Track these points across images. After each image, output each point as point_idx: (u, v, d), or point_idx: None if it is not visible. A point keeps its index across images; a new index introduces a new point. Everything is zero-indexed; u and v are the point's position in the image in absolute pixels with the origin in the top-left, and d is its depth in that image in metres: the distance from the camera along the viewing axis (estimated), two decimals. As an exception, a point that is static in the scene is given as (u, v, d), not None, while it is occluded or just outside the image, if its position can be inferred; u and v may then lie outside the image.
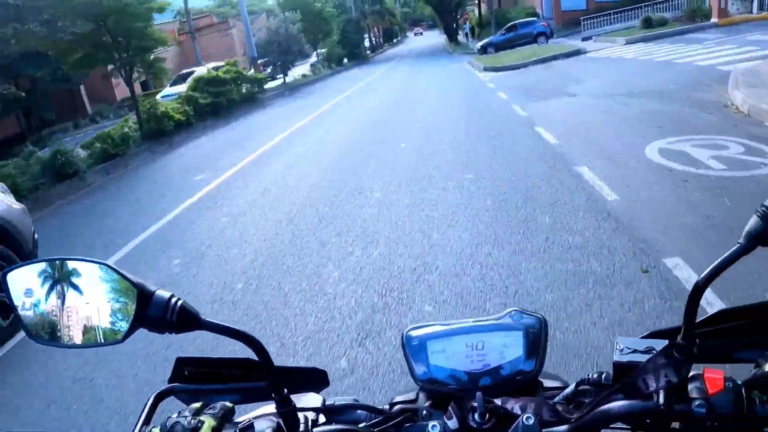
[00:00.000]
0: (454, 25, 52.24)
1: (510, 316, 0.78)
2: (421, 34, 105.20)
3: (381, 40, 68.36)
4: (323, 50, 35.80)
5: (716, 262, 0.62)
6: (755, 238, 0.61)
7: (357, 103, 17.37)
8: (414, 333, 0.79)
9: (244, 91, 21.41)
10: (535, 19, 30.43)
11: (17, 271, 0.69)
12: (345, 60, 42.16)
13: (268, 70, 28.07)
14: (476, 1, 57.33)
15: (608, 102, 10.41)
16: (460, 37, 51.26)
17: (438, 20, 68.83)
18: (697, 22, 24.02)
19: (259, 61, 26.30)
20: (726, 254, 0.62)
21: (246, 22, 24.29)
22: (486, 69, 21.28)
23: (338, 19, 46.42)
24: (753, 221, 0.61)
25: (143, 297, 0.66)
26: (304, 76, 32.10)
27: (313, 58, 35.87)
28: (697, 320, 0.67)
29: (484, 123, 10.35)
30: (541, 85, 14.65)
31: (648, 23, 23.79)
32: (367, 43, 56.01)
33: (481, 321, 0.78)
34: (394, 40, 79.18)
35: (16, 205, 5.08)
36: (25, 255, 4.71)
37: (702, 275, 0.63)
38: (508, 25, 30.07)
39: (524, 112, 10.75)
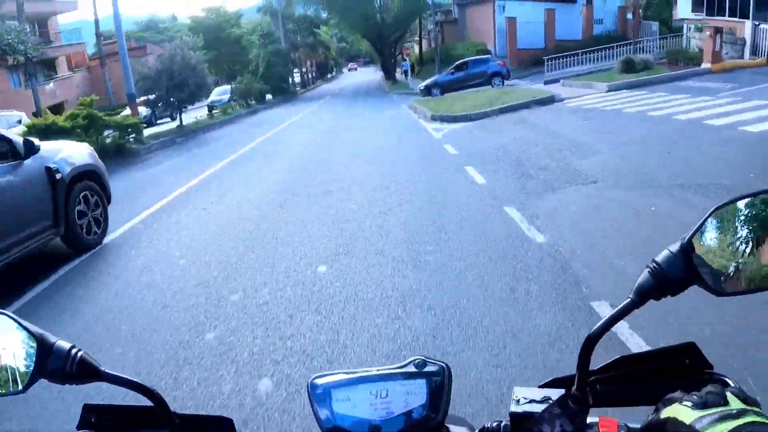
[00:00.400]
0: (393, 62, 47.85)
1: (414, 364, 0.77)
2: (356, 69, 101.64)
3: (314, 74, 63.46)
4: (239, 84, 29.97)
5: (607, 317, 0.66)
6: (646, 293, 0.64)
7: (251, 172, 11.66)
8: (319, 381, 0.78)
9: (108, 141, 15.49)
10: (489, 57, 25.97)
11: None
12: (269, 96, 36.71)
13: (144, 111, 22.00)
14: (417, 37, 53.74)
15: (672, 204, 5.53)
16: (399, 75, 47.00)
17: (375, 56, 64.71)
18: (683, 66, 20.00)
19: (142, 99, 20.34)
20: (617, 309, 0.65)
21: (122, 48, 18.28)
22: (435, 118, 16.16)
23: (264, 50, 41.11)
24: (643, 276, 0.65)
25: (43, 348, 0.66)
26: (211, 116, 26.44)
27: (216, 96, 29.58)
28: (597, 367, 0.70)
29: (472, 275, 4.47)
30: (527, 153, 9.49)
31: (629, 66, 19.50)
32: (297, 78, 50.78)
33: (385, 369, 0.77)
34: (329, 76, 74.25)
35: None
36: (108, 195, 6.74)
37: (594, 328, 0.66)
38: (458, 63, 25.40)
39: (541, 235, 5.17)
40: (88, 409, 0.79)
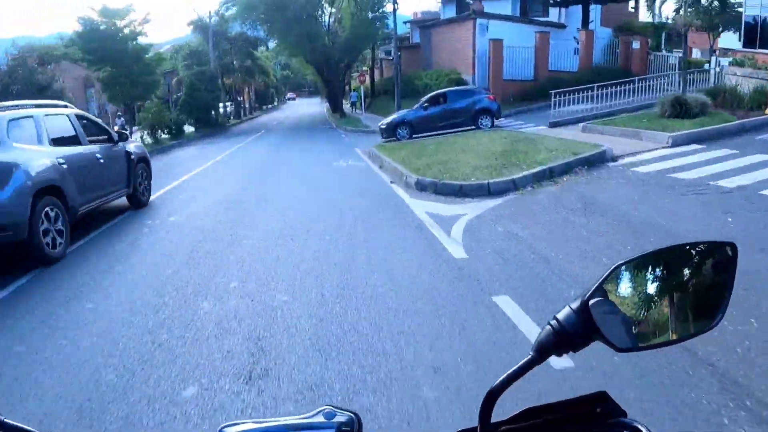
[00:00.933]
0: (342, 91, 41.70)
1: (323, 413, 0.75)
2: (294, 99, 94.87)
3: (252, 104, 56.67)
4: (146, 113, 22.76)
5: (507, 373, 0.65)
6: (546, 350, 0.64)
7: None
8: (229, 430, 0.75)
9: None
10: (475, 88, 19.89)
11: None
12: (190, 128, 29.76)
13: None
14: (366, 65, 47.93)
15: None
16: (346, 107, 40.94)
17: (321, 85, 58.66)
18: (735, 110, 14.55)
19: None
20: (517, 366, 0.65)
21: None
22: (423, 186, 9.41)
23: (188, 72, 34.17)
24: (544, 333, 0.64)
25: None
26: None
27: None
28: (505, 418, 0.69)
29: None
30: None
31: (681, 109, 13.76)
32: (230, 107, 43.80)
33: (294, 419, 0.75)
34: (269, 106, 67.34)
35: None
36: (150, 174, 9.98)
37: (494, 384, 0.66)
38: (433, 94, 19.16)
39: None
40: None
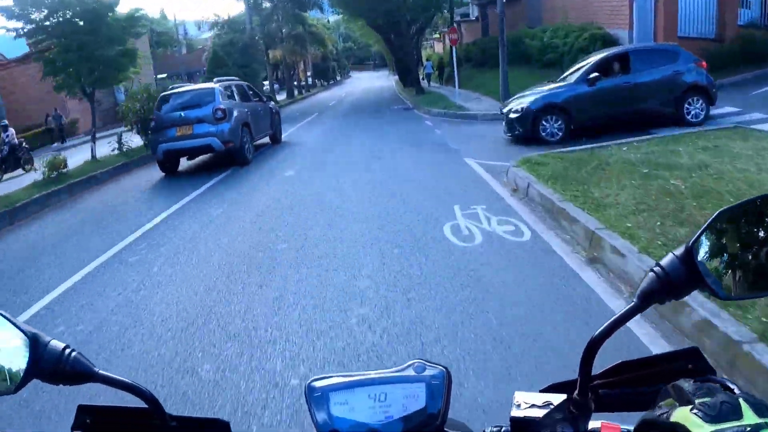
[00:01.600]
0: (416, 60, 33.58)
1: (413, 367, 0.75)
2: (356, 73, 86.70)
3: (310, 80, 49.34)
4: (126, 104, 14.97)
5: (610, 321, 0.64)
6: (649, 297, 0.64)
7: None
8: (317, 384, 0.76)
9: None
10: (670, 46, 11.12)
11: None
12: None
13: None
14: (439, 31, 39.34)
15: None
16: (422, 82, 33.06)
17: (387, 55, 50.56)
18: None
19: None
20: (620, 313, 0.64)
21: None
22: None
23: (216, 41, 26.83)
24: (647, 280, 0.64)
25: (37, 348, 0.65)
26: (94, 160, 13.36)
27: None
28: (596, 373, 0.68)
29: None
30: None
31: None
32: (277, 85, 36.45)
33: (384, 373, 0.76)
34: (329, 82, 59.51)
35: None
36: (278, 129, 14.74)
37: (596, 333, 0.65)
38: (603, 56, 10.60)
39: None
40: (83, 411, 0.77)
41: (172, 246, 6.25)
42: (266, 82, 29.64)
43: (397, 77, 49.32)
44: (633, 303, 0.65)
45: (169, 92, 11.91)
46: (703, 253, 0.63)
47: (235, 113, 11.24)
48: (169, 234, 6.80)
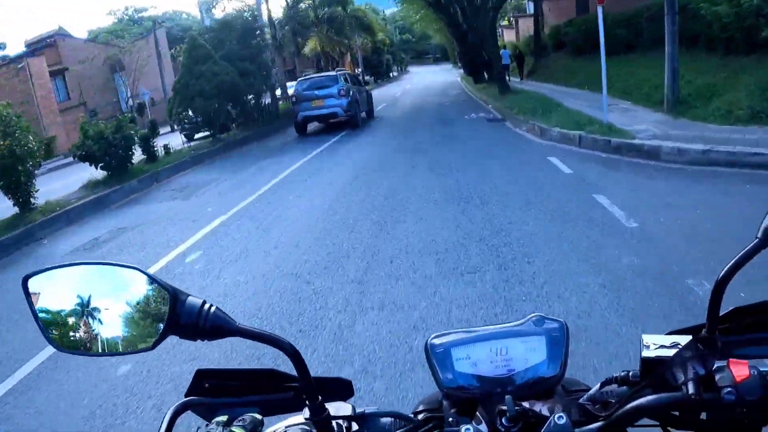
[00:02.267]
0: (492, 49, 25.67)
1: (532, 321, 0.77)
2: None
3: (362, 76, 42.07)
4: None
5: (735, 258, 0.65)
6: None
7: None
8: (437, 341, 0.77)
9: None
10: None
11: (40, 276, 0.66)
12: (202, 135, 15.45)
13: None
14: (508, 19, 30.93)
15: None
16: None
17: (450, 44, 42.80)
18: None
19: None
20: (744, 250, 0.65)
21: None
22: None
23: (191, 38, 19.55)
24: None
25: (175, 303, 0.65)
26: None
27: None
28: (722, 314, 0.69)
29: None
30: None
31: None
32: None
33: (503, 327, 0.77)
34: (381, 78, 51.56)
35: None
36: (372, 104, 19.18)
37: (722, 272, 0.65)
38: None
39: None
40: (201, 375, 0.77)
41: (323, 165, 10.25)
42: (290, 83, 22.03)
43: (462, 71, 41.42)
44: (757, 240, 0.64)
45: (303, 78, 17.76)
46: None
47: (351, 92, 15.55)
48: (317, 163, 10.61)
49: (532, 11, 36.63)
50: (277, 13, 23.65)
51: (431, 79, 41.55)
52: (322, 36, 26.98)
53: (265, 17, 20.58)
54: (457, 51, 38.73)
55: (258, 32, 17.65)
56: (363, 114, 17.01)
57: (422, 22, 39.49)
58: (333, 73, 17.06)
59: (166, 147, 13.09)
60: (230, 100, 15.28)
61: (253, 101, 17.46)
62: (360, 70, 45.75)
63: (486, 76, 26.80)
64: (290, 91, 19.75)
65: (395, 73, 61.46)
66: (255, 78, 16.35)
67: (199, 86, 14.30)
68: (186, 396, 0.76)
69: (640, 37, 16.32)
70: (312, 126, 16.19)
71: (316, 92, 15.17)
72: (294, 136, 15.63)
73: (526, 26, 38.43)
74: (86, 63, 28.18)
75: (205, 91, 14.28)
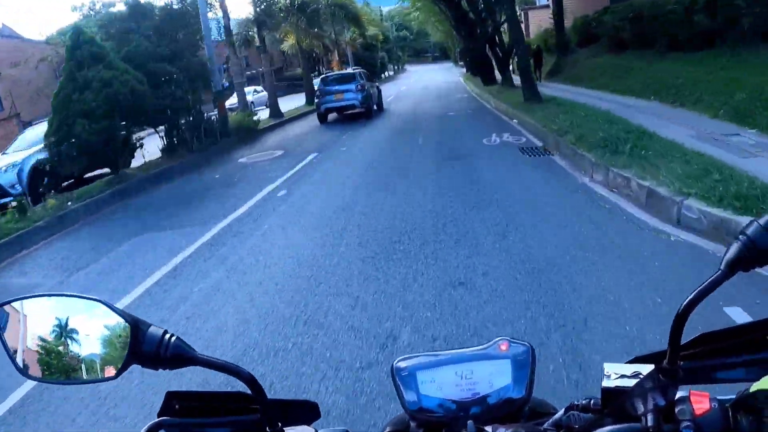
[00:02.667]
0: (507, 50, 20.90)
1: (498, 344, 0.78)
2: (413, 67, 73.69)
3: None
4: None
5: (697, 290, 0.65)
6: (735, 264, 0.64)
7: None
8: (403, 364, 0.78)
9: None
10: None
11: (8, 307, 0.68)
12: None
13: None
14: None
15: None
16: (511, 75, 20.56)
17: (454, 43, 38.61)
18: None
19: None
20: (707, 281, 0.65)
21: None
22: None
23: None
24: (733, 248, 0.65)
25: (137, 333, 0.67)
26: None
27: None
28: (685, 342, 0.69)
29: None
30: None
31: None
32: (256, 95, 23.93)
33: (469, 350, 0.78)
34: (374, 78, 45.58)
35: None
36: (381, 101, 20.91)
37: (684, 302, 0.65)
38: None
39: None
40: (172, 396, 0.78)
41: (352, 145, 12.23)
42: (255, 89, 17.01)
43: (464, 70, 36.87)
44: (719, 271, 0.64)
45: (325, 75, 20.51)
46: None
47: (366, 87, 17.96)
48: (350, 141, 12.93)
49: (544, 2, 31.89)
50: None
51: (430, 79, 36.82)
52: (295, 28, 21.87)
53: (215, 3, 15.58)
54: (460, 48, 34.08)
55: (191, 22, 12.53)
56: (374, 106, 19.08)
57: (422, 14, 34.77)
58: (351, 71, 20.04)
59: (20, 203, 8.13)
60: (133, 118, 10.25)
61: (191, 117, 12.39)
62: (350, 69, 40.89)
63: (499, 77, 21.89)
64: (315, 87, 21.43)
65: (390, 73, 56.29)
66: (178, 86, 11.28)
67: (83, 102, 9.34)
68: (158, 416, 0.77)
69: (735, 25, 11.37)
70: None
71: (337, 87, 17.59)
72: (243, 162, 11.70)
73: (538, 19, 33.44)
74: (21, 66, 23.17)
75: (92, 109, 9.31)
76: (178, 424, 0.77)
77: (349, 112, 17.89)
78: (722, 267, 0.64)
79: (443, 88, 27.07)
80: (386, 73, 48.84)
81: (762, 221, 0.65)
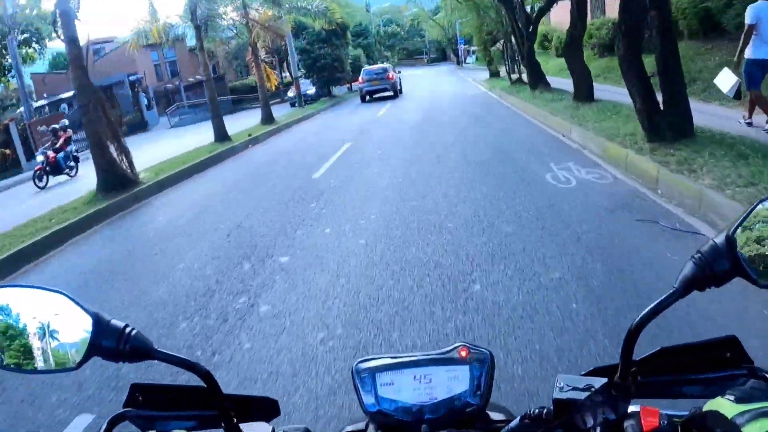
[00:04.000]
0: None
1: (457, 350, 0.78)
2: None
3: (291, 92, 28.11)
4: None
5: (651, 306, 0.65)
6: (689, 284, 0.64)
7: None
8: (363, 365, 0.79)
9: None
10: None
11: None
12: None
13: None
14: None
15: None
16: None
17: (480, 35, 28.71)
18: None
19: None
20: (661, 299, 0.65)
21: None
22: None
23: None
24: (688, 267, 0.65)
25: (98, 326, 0.68)
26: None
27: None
28: (639, 357, 0.70)
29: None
30: None
31: None
32: None
33: (428, 355, 0.79)
34: (329, 91, 31.32)
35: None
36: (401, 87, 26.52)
37: (637, 319, 0.66)
38: None
39: None
40: (136, 388, 0.79)
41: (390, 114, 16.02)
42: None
43: (489, 75, 27.31)
44: (674, 289, 0.64)
45: (367, 68, 26.46)
46: (742, 241, 0.63)
47: (394, 77, 24.35)
48: (388, 118, 15.37)
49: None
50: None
51: (432, 90, 24.86)
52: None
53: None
54: (503, 40, 21.85)
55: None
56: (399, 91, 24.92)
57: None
58: (385, 65, 26.79)
59: None
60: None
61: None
62: (287, 75, 31.17)
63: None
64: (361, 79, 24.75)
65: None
66: None
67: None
68: (123, 407, 0.78)
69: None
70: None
71: (375, 76, 24.40)
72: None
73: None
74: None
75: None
76: (142, 416, 0.77)
77: (382, 94, 24.30)
78: (676, 285, 0.64)
79: (466, 111, 14.07)
80: (352, 85, 33.41)
81: (717, 240, 0.64)
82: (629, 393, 0.67)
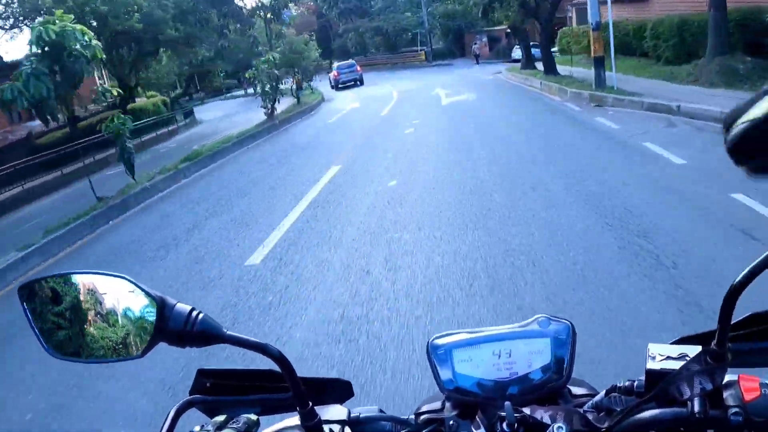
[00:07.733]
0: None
1: (537, 322, 0.74)
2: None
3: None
4: None
5: (751, 266, 0.59)
6: None
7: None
8: (439, 341, 0.76)
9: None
10: None
11: (34, 286, 0.68)
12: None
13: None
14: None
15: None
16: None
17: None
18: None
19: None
20: (761, 258, 0.59)
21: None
22: None
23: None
24: None
25: (163, 310, 0.65)
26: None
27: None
28: (732, 323, 0.66)
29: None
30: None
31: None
32: None
33: (507, 328, 0.75)
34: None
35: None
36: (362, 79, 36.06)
37: (737, 279, 0.60)
38: None
39: None
40: (203, 374, 0.78)
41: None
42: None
43: (544, 78, 18.94)
44: None
45: (340, 63, 36.21)
46: None
47: (360, 71, 34.13)
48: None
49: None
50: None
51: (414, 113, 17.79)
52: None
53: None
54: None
55: None
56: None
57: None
58: (352, 61, 35.98)
59: None
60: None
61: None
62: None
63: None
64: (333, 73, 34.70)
65: (274, 102, 20.53)
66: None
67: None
68: (190, 394, 0.77)
69: None
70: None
71: (346, 69, 33.70)
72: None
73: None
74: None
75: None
76: (209, 402, 0.77)
77: (351, 83, 33.05)
78: None
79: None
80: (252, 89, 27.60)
81: None
82: (726, 361, 0.62)
